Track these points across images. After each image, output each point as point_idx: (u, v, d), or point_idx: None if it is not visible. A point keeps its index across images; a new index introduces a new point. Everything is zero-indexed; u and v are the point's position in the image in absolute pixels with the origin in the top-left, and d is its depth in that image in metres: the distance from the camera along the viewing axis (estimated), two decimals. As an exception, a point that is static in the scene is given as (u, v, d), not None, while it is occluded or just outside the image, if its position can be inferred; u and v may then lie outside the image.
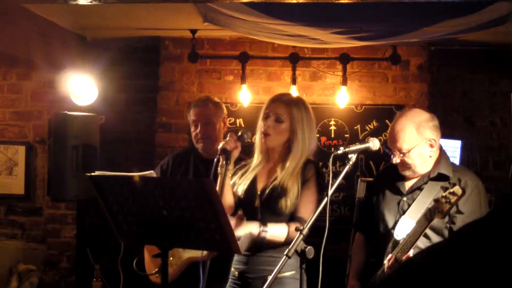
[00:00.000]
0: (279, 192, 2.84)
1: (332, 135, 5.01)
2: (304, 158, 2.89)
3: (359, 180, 4.43)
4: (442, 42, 4.78)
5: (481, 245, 0.71)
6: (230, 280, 2.99)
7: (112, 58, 5.01)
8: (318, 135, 5.01)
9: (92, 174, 2.48)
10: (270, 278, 2.42)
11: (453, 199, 2.58)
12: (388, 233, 2.86)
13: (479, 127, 5.12)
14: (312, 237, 2.45)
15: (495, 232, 0.71)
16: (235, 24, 4.04)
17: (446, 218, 2.69)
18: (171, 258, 3.28)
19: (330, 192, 2.51)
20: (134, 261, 3.48)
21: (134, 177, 2.39)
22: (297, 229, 2.45)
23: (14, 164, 5.31)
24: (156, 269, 3.44)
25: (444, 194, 2.60)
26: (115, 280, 4.06)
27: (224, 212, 2.26)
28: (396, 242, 2.78)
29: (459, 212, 2.69)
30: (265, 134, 2.91)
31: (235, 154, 2.88)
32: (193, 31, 4.74)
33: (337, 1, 3.31)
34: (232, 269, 2.98)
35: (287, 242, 2.72)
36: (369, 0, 3.44)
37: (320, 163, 4.99)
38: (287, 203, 2.82)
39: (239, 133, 2.93)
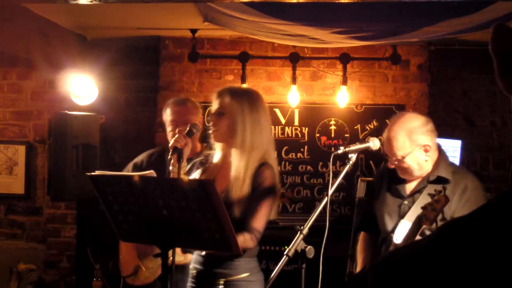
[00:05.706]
0: (232, 199, 2.68)
1: (332, 135, 5.01)
2: (254, 159, 2.71)
3: (359, 180, 4.44)
4: (442, 42, 4.78)
5: (458, 244, 0.70)
6: (189, 279, 2.87)
7: (112, 58, 5.00)
8: (318, 135, 5.00)
9: (92, 173, 2.47)
10: (272, 276, 2.40)
11: (438, 206, 2.60)
12: (388, 237, 2.86)
13: (479, 127, 5.12)
14: (312, 237, 2.45)
15: (476, 232, 0.70)
16: (235, 24, 4.04)
17: (434, 225, 2.70)
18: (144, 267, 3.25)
19: (330, 192, 2.50)
20: (110, 263, 3.36)
21: (134, 177, 2.38)
22: (297, 229, 2.44)
23: (14, 163, 5.30)
24: (132, 272, 3.32)
25: (429, 202, 2.63)
26: (115, 280, 4.06)
27: (224, 212, 2.26)
28: (396, 246, 2.78)
29: (444, 219, 2.70)
30: (211, 130, 2.80)
31: (187, 151, 2.80)
32: (193, 31, 4.74)
33: (337, 1, 3.32)
34: (191, 267, 2.87)
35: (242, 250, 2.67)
36: (369, 0, 3.44)
37: (320, 163, 5.05)
38: (239, 211, 2.67)
39: (188, 129, 2.85)
